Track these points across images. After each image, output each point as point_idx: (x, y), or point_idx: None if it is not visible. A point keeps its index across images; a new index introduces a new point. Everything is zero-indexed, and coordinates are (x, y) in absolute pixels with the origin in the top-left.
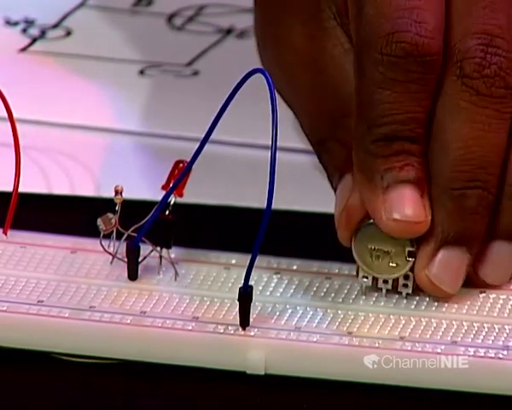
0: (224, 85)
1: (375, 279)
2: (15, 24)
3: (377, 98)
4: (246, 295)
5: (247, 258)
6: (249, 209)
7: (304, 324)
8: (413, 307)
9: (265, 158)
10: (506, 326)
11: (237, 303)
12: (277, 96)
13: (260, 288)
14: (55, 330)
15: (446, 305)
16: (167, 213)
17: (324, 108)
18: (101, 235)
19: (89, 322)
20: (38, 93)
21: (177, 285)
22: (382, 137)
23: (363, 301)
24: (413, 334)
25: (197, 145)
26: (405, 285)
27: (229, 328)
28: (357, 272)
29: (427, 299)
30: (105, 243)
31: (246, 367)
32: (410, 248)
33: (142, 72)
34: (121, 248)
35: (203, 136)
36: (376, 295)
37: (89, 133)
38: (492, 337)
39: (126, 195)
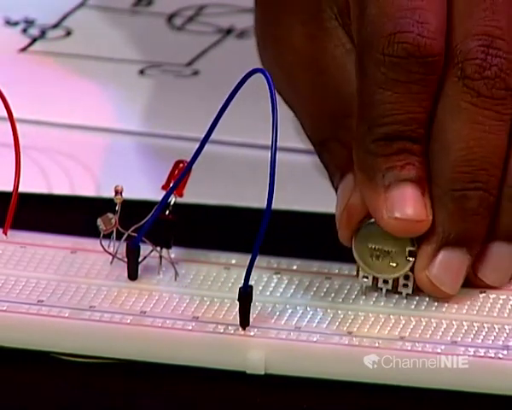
0: (224, 85)
1: (375, 279)
2: (15, 24)
3: (378, 98)
4: (246, 295)
5: (247, 258)
6: (249, 209)
7: (304, 324)
8: (413, 307)
9: (265, 158)
10: (506, 326)
11: (237, 303)
12: (277, 96)
13: (260, 288)
14: (55, 330)
15: (446, 305)
16: (167, 213)
17: (325, 109)
18: (101, 235)
19: (89, 322)
20: (38, 93)
21: (177, 285)
22: (383, 137)
23: (363, 301)
24: (413, 334)
25: (197, 145)
26: (405, 285)
27: (229, 328)
28: (358, 272)
29: (427, 299)
30: (105, 243)
31: (246, 367)
32: (411, 248)
33: (142, 72)
34: (121, 248)
35: (203, 136)
36: (376, 295)
37: (89, 133)
38: (492, 337)
39: (126, 195)
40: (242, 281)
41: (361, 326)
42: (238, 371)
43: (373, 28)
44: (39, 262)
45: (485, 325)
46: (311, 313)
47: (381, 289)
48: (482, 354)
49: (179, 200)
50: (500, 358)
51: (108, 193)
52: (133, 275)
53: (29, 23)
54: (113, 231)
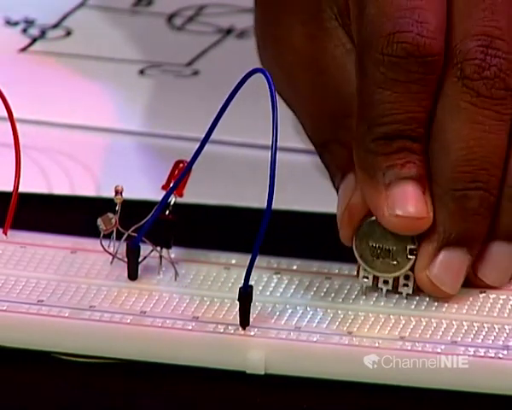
0: (224, 85)
1: (375, 279)
2: (15, 24)
3: (378, 98)
4: (246, 295)
5: (247, 258)
6: (249, 209)
7: (304, 324)
8: (413, 307)
9: (265, 158)
10: (506, 326)
11: (237, 303)
12: (277, 96)
13: (260, 288)
14: (55, 329)
15: (446, 305)
16: (167, 213)
17: (325, 109)
18: (102, 235)
19: (89, 322)
20: (38, 93)
21: (177, 285)
22: (383, 136)
23: (363, 301)
24: (413, 334)
25: (197, 145)
26: (406, 285)
27: (229, 328)
28: (358, 272)
29: (427, 299)
30: (105, 243)
31: (246, 367)
32: (412, 246)
33: (142, 72)
34: (121, 248)
35: (203, 136)
36: (376, 295)
37: (89, 133)
38: (492, 337)
39: (126, 195)
40: (242, 281)
41: (361, 326)
42: (238, 371)
43: (372, 28)
44: (39, 262)
45: (485, 324)
46: (311, 313)
47: (381, 289)
48: (482, 354)
49: (179, 200)
50: (500, 358)
51: (108, 193)
52: (133, 275)
53: (29, 23)
54: (113, 231)
